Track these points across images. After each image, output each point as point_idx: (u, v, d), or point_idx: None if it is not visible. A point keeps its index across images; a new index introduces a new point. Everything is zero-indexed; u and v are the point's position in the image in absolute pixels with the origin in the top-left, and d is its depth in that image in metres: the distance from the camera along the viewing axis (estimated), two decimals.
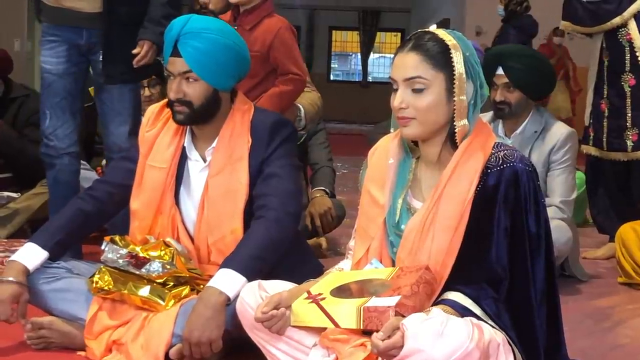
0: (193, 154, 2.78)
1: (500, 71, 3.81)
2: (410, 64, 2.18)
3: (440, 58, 2.17)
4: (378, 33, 19.77)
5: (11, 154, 4.68)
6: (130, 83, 3.60)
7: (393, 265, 2.27)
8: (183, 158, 2.79)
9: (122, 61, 3.50)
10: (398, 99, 2.18)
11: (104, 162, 4.61)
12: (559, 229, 3.62)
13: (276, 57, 3.46)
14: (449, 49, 2.18)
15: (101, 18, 3.47)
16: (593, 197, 4.70)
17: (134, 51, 3.46)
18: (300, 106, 3.66)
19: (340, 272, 2.37)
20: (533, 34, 7.99)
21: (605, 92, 4.46)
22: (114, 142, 3.58)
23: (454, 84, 2.17)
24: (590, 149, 4.59)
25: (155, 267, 2.60)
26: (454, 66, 2.17)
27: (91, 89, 3.99)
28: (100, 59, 3.54)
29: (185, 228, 2.77)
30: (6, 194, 4.68)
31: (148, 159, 2.79)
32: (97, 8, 3.50)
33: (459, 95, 2.17)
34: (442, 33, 2.22)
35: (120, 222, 2.91)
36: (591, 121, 4.57)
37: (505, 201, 2.16)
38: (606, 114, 4.47)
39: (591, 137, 4.57)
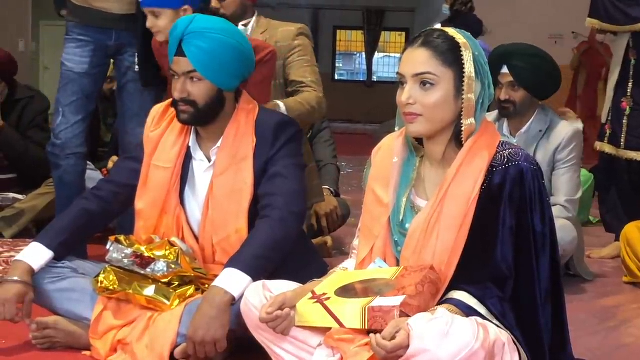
0: (198, 154, 2.79)
1: (505, 70, 3.80)
2: (420, 59, 2.17)
3: (450, 55, 2.17)
4: (383, 32, 19.75)
5: (14, 156, 4.69)
6: (156, 86, 3.62)
7: (397, 264, 2.27)
8: (188, 158, 2.79)
9: (153, 64, 3.51)
10: (406, 95, 2.18)
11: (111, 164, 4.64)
12: (564, 228, 3.63)
13: None
14: (459, 47, 2.18)
15: (137, 20, 3.48)
16: (604, 195, 4.69)
17: None
18: (280, 103, 3.48)
19: (345, 272, 2.37)
20: (478, 33, 8.05)
21: (630, 91, 4.46)
22: (130, 142, 3.58)
23: (463, 82, 2.17)
24: (605, 146, 4.57)
25: (160, 266, 2.60)
26: (463, 64, 2.17)
27: None
28: (127, 59, 3.56)
29: (190, 228, 2.78)
30: (12, 195, 4.69)
31: (153, 158, 2.79)
32: (126, 10, 3.51)
33: (468, 93, 2.17)
34: (452, 31, 2.22)
35: (129, 223, 2.90)
36: (609, 118, 4.57)
37: (511, 200, 2.15)
38: (627, 112, 4.47)
39: (607, 135, 4.56)
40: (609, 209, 4.66)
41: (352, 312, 2.12)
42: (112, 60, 3.78)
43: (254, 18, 3.75)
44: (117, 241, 2.68)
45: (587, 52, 9.72)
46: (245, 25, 3.68)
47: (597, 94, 9.37)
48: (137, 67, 3.55)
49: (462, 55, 2.17)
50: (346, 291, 2.21)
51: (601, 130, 4.63)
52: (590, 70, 9.51)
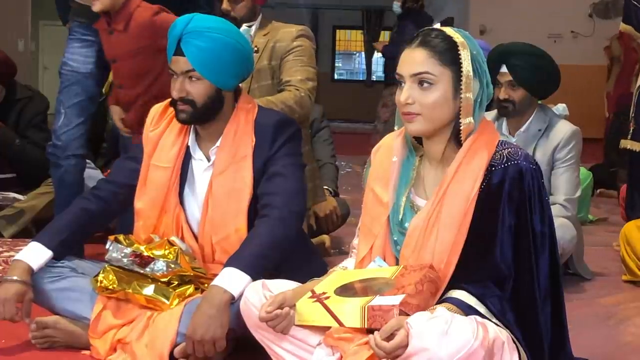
0: (197, 153, 2.79)
1: (504, 69, 3.80)
2: (418, 59, 2.18)
3: (448, 55, 2.17)
4: (382, 32, 19.74)
5: (12, 156, 4.69)
6: None
7: (396, 263, 2.28)
8: (187, 157, 2.79)
9: None
10: (404, 95, 2.18)
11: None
12: (563, 227, 3.63)
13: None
14: (457, 46, 2.18)
15: None
16: (634, 191, 4.74)
17: None
18: None
19: (344, 271, 2.37)
20: None
21: None
22: (132, 142, 3.58)
23: (461, 81, 2.17)
24: (627, 143, 4.64)
25: (159, 266, 2.60)
26: (461, 64, 2.17)
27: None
28: None
29: (190, 227, 2.78)
30: (12, 195, 4.69)
31: (152, 158, 2.79)
32: None
33: (466, 92, 2.17)
34: (450, 31, 2.22)
35: (129, 222, 2.90)
36: (633, 115, 4.62)
37: (510, 199, 2.15)
38: None
39: (630, 131, 4.62)
40: (633, 204, 4.71)
41: (351, 311, 2.12)
42: None
43: (258, 20, 3.75)
44: (117, 241, 2.68)
45: (623, 40, 9.65)
46: (249, 27, 3.68)
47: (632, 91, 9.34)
48: None
49: (460, 55, 2.17)
50: (346, 290, 2.21)
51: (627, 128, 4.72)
52: (625, 66, 9.47)
